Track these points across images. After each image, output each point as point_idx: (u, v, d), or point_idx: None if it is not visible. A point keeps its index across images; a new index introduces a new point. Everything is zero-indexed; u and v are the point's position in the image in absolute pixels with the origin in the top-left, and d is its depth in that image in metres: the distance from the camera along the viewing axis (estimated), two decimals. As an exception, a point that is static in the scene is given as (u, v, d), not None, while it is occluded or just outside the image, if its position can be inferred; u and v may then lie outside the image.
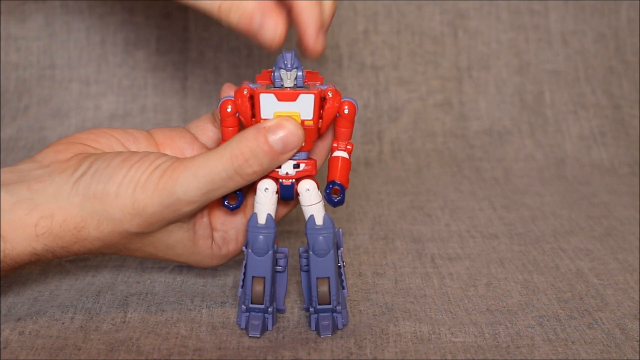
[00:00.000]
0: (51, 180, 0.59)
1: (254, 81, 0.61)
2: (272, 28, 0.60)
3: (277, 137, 0.58)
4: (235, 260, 0.71)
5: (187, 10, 1.04)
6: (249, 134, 0.58)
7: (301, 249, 0.62)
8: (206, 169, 0.57)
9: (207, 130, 0.66)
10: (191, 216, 0.61)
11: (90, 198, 0.58)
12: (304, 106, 0.59)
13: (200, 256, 0.63)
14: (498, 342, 0.61)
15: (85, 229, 0.59)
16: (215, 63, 1.05)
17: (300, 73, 0.59)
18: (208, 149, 0.66)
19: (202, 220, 0.62)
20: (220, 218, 0.64)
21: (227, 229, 0.64)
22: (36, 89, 1.03)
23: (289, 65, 0.59)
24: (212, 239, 0.63)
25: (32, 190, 0.59)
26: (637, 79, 1.09)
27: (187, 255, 0.63)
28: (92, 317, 0.63)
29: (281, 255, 0.62)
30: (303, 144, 0.59)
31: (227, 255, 0.64)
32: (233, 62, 1.05)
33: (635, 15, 1.10)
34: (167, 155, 0.60)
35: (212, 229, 0.63)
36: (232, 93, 0.61)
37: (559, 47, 1.09)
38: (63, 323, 0.63)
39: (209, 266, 0.65)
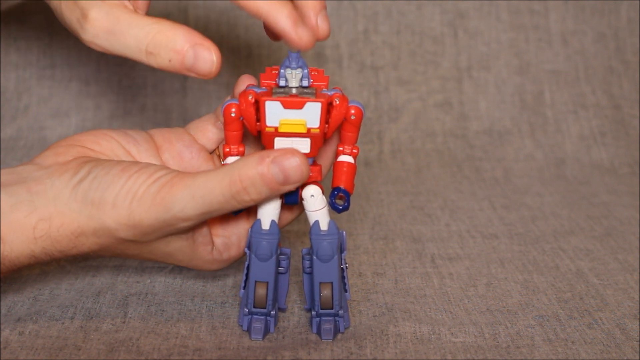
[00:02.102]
0: (51, 183, 0.59)
1: (257, 80, 0.61)
2: (207, 57, 0.57)
3: (279, 169, 0.56)
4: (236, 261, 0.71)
5: (186, 10, 1.04)
6: (251, 162, 0.56)
7: (304, 251, 0.61)
8: (204, 191, 0.56)
9: (207, 132, 0.65)
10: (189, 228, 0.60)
11: (88, 205, 0.58)
12: (311, 114, 0.57)
13: (200, 261, 0.62)
14: (498, 342, 0.61)
15: (82, 234, 0.58)
16: (215, 63, 1.05)
17: (306, 70, 0.59)
18: (207, 151, 0.65)
19: (202, 229, 0.61)
20: (221, 224, 0.63)
21: (229, 234, 0.63)
22: (36, 88, 1.03)
23: (293, 64, 0.59)
24: (213, 245, 0.63)
25: (31, 193, 0.58)
26: (637, 79, 1.09)
27: (187, 261, 0.62)
28: (92, 317, 0.63)
29: (284, 257, 0.61)
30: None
31: (228, 260, 0.64)
32: (233, 62, 1.05)
33: (635, 15, 1.10)
34: (167, 168, 0.58)
35: (212, 235, 0.63)
36: (252, 84, 0.60)
37: (559, 47, 1.09)
38: (63, 323, 0.63)
39: (209, 270, 0.65)
